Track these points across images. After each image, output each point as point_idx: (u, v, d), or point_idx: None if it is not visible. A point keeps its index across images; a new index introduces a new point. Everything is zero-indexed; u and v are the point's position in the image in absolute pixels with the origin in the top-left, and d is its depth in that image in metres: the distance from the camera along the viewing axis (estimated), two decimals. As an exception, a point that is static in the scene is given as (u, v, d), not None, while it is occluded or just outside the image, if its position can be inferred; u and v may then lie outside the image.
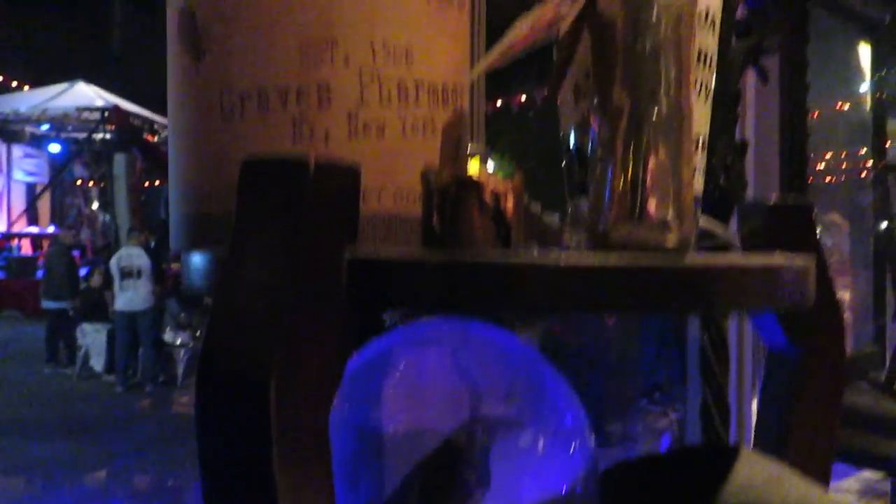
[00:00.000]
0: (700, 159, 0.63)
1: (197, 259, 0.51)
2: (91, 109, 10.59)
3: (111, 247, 8.96)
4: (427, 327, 0.58)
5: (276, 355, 0.36)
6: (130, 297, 6.45)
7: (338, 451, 0.48)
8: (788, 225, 0.66)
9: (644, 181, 0.47)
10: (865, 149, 2.87)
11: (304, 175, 0.39)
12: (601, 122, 0.50)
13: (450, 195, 0.42)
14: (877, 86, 2.72)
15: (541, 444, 0.55)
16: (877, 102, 2.70)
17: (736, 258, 0.48)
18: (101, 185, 11.85)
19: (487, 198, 0.43)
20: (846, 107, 3.03)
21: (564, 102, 0.63)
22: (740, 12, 1.70)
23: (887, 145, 2.68)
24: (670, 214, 0.47)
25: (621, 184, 0.48)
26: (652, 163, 0.47)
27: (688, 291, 0.43)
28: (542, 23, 0.53)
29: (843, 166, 3.30)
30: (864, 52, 2.91)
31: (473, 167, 0.46)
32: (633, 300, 0.41)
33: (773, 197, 0.70)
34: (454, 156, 0.54)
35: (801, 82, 2.10)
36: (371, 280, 0.40)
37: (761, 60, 1.92)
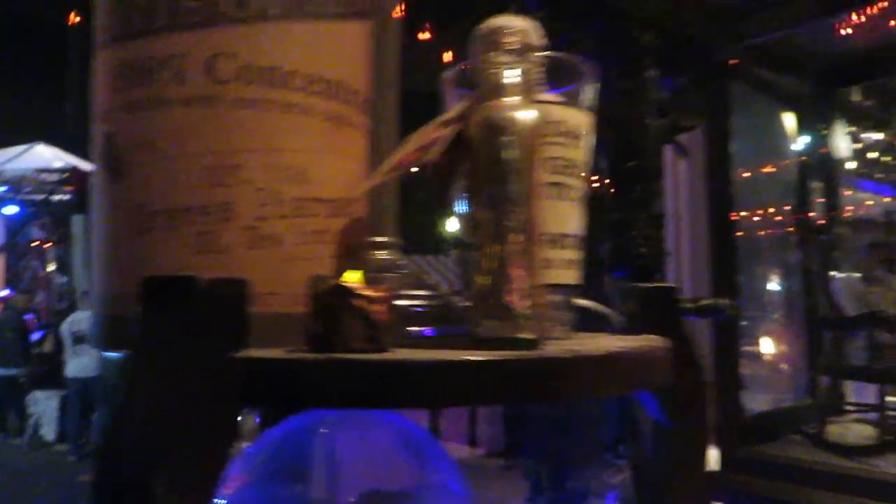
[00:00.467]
0: (576, 254, 0.71)
1: (111, 357, 0.57)
2: (49, 171, 10.53)
3: (68, 310, 8.82)
4: (326, 411, 0.64)
5: (163, 453, 0.42)
6: (84, 362, 6.33)
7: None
8: (657, 307, 0.75)
9: (501, 283, 0.55)
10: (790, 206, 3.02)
11: (194, 291, 0.46)
12: (470, 230, 0.58)
13: (324, 301, 0.49)
14: (801, 153, 2.90)
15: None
16: (801, 169, 2.88)
17: (585, 347, 0.56)
18: (59, 246, 11.69)
19: (358, 303, 0.50)
20: (784, 164, 3.21)
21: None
22: (660, 94, 1.85)
23: (812, 206, 2.84)
24: (526, 312, 0.54)
25: (483, 285, 0.56)
26: (508, 267, 0.55)
27: (538, 382, 0.50)
28: (426, 143, 0.62)
29: (779, 220, 3.47)
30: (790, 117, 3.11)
31: (353, 276, 0.53)
32: (485, 393, 0.48)
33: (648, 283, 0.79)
34: (345, 262, 0.62)
35: (724, 155, 2.25)
36: (251, 380, 0.46)
37: (681, 137, 2.07)
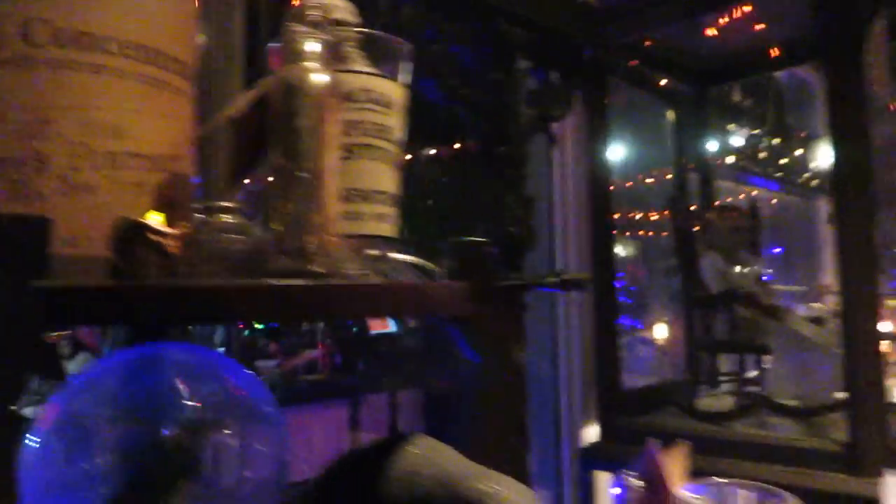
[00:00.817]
0: (389, 209, 0.80)
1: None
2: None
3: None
4: (158, 348, 0.71)
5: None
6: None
7: (73, 453, 0.60)
8: (470, 259, 0.84)
9: (291, 224, 0.62)
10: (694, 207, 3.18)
11: (-8, 225, 0.51)
12: (270, 180, 0.65)
13: (121, 235, 0.56)
14: (680, 151, 3.09)
15: (243, 440, 0.68)
16: (678, 164, 3.06)
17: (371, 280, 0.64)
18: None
19: (153, 237, 0.56)
20: (662, 160, 3.41)
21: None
22: (530, 85, 1.97)
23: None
24: (311, 249, 0.62)
25: (278, 226, 0.63)
26: (298, 211, 0.63)
27: (310, 304, 0.58)
28: (246, 103, 0.69)
29: (663, 214, 3.68)
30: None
31: (155, 217, 0.60)
32: (260, 312, 0.56)
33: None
34: (165, 214, 0.68)
35: (601, 149, 2.39)
36: (49, 307, 0.52)
37: (564, 128, 2.20)
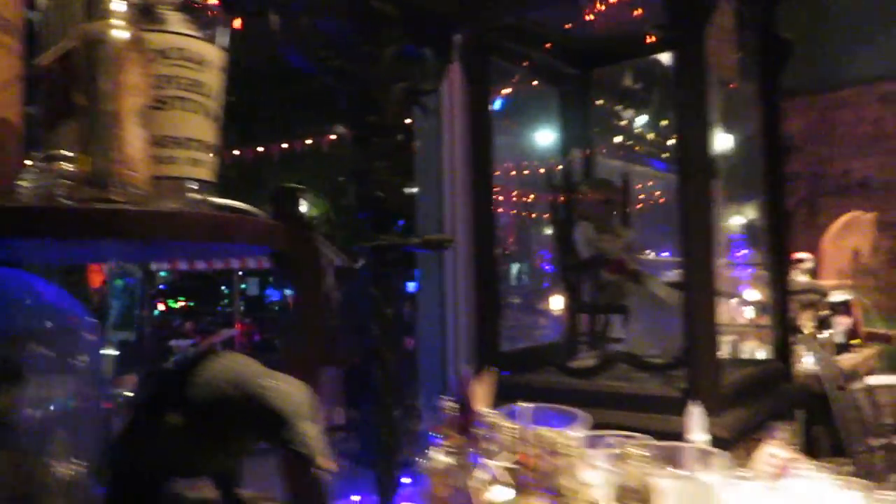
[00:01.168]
0: (204, 155, 0.90)
1: None
2: None
3: None
4: None
5: None
6: None
7: None
8: (283, 203, 0.96)
9: (93, 160, 0.72)
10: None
11: None
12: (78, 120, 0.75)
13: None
14: (564, 131, 3.26)
15: (60, 352, 0.78)
16: (563, 142, 3.23)
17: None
18: None
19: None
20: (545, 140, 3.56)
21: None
22: (401, 58, 2.08)
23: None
24: (111, 181, 0.72)
25: (82, 160, 0.73)
26: (98, 147, 0.72)
27: (100, 224, 0.68)
28: (54, 53, 0.78)
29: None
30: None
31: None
32: (60, 230, 0.66)
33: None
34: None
35: (482, 125, 2.53)
36: None
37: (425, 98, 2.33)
